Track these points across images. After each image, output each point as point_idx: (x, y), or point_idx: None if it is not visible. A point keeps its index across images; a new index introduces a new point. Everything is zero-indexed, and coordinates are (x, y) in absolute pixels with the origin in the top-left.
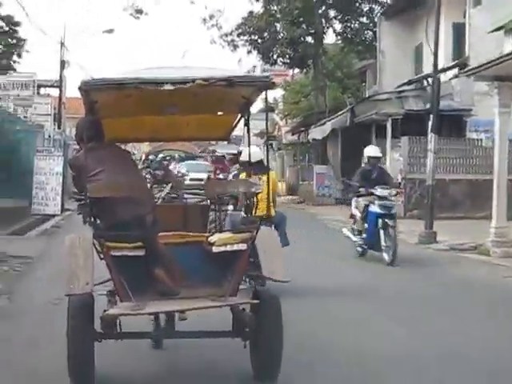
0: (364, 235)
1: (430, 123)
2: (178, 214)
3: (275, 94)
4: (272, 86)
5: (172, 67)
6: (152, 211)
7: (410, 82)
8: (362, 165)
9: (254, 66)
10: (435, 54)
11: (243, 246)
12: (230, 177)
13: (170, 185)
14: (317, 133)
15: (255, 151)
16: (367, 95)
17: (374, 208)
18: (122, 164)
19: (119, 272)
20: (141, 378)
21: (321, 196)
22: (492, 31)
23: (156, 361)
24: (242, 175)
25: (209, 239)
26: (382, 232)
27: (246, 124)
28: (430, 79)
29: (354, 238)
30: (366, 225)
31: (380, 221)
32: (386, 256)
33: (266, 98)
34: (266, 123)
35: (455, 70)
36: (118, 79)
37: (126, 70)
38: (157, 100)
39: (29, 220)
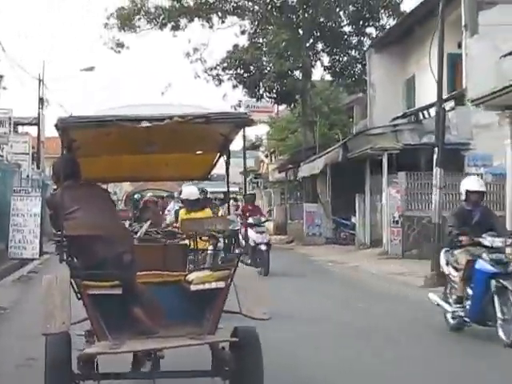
0: (467, 303)
1: (435, 157)
2: (156, 253)
3: (259, 131)
4: (250, 122)
5: (150, 104)
6: (129, 250)
7: (404, 115)
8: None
9: (240, 101)
10: (439, 83)
11: (221, 284)
12: (172, 213)
13: (148, 222)
14: (306, 170)
15: (191, 191)
16: (355, 131)
17: (484, 264)
18: (98, 202)
19: (96, 311)
20: None
21: (311, 235)
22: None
23: None
24: (182, 212)
25: (187, 278)
26: (496, 298)
27: (226, 162)
28: (425, 112)
29: (451, 308)
30: (469, 289)
31: (493, 282)
32: (502, 333)
33: (244, 136)
34: (244, 162)
35: (452, 103)
36: (95, 117)
37: (104, 108)
38: (135, 139)
39: (5, 265)
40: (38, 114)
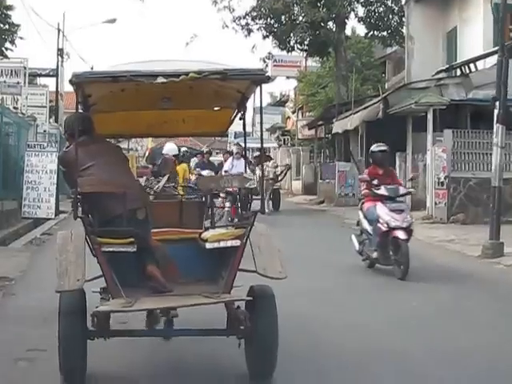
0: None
1: (496, 112)
2: (173, 209)
3: (286, 87)
4: (267, 80)
5: (166, 60)
6: (144, 206)
7: (450, 68)
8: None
9: (269, 53)
10: (500, 27)
11: (237, 242)
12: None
13: (166, 177)
14: (339, 126)
15: (171, 148)
16: (387, 86)
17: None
18: (112, 159)
19: (110, 268)
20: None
21: (343, 196)
22: None
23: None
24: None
25: (202, 235)
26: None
27: (242, 119)
28: (472, 66)
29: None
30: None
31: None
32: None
33: (261, 93)
34: (261, 119)
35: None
36: (110, 72)
37: (120, 63)
38: (151, 94)
39: (17, 225)
40: (57, 65)
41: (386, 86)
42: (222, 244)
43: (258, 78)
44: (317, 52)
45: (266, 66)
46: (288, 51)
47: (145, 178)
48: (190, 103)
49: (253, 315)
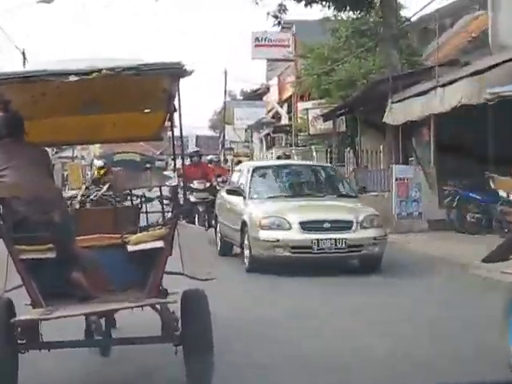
0: None
1: None
2: (108, 216)
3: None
4: (185, 73)
5: (85, 59)
6: (59, 210)
7: None
8: None
9: (280, 5)
10: None
11: (159, 244)
12: None
13: (107, 185)
14: (402, 113)
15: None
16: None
17: None
18: (31, 162)
19: (30, 276)
20: None
21: (405, 217)
22: None
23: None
24: None
25: (125, 239)
26: None
27: (170, 120)
28: None
29: None
30: None
31: None
32: None
33: (179, 87)
34: (180, 121)
35: None
36: (19, 72)
37: (36, 63)
38: (75, 98)
39: None
40: None
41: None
42: (144, 246)
43: (176, 72)
44: (351, 3)
45: (279, 22)
46: (306, 4)
47: (84, 186)
48: (118, 106)
49: (185, 319)
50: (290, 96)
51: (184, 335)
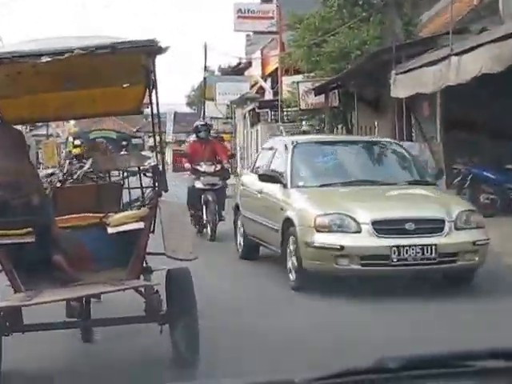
0: None
1: None
2: (90, 194)
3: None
4: (160, 50)
5: (57, 37)
6: (37, 193)
7: None
8: None
9: None
10: None
11: (140, 225)
12: None
13: (90, 160)
14: (407, 84)
15: None
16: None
17: None
18: (6, 144)
19: (9, 261)
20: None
21: None
22: None
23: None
24: None
25: (105, 220)
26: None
27: (149, 95)
28: None
29: None
30: None
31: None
32: None
33: (154, 66)
34: (156, 99)
35: None
36: None
37: (9, 44)
38: (52, 75)
39: None
40: None
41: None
42: (124, 227)
43: (150, 50)
44: None
45: None
46: None
47: (67, 161)
48: (95, 81)
49: (170, 298)
50: (275, 70)
51: (170, 314)
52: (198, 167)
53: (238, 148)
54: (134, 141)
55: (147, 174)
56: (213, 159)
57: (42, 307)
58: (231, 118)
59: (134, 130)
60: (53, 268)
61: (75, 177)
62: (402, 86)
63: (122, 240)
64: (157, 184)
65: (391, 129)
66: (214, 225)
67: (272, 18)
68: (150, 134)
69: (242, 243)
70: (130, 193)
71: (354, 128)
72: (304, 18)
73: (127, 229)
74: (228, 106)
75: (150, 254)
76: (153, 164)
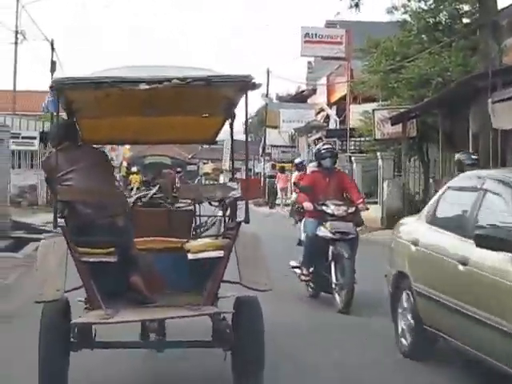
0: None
1: None
2: (161, 218)
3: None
4: (253, 86)
5: (151, 66)
6: (122, 214)
7: None
8: None
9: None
10: None
11: (219, 254)
12: None
13: (157, 186)
14: (504, 117)
15: None
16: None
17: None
18: (93, 165)
19: (90, 278)
20: None
21: None
22: None
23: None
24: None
25: (185, 246)
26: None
27: (231, 126)
28: None
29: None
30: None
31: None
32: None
33: (247, 101)
34: (246, 131)
35: None
36: (91, 78)
37: (101, 70)
38: (136, 100)
39: None
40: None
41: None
42: (205, 255)
43: (244, 85)
44: None
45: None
46: None
47: (135, 186)
48: (177, 110)
49: (238, 327)
50: (341, 98)
51: (237, 342)
52: (324, 208)
53: None
54: (189, 167)
55: (213, 203)
56: (340, 197)
57: (110, 326)
58: (293, 147)
59: (189, 156)
60: (130, 288)
61: (144, 200)
62: (505, 116)
63: (197, 266)
64: (234, 214)
65: (486, 162)
66: (351, 291)
67: (340, 43)
68: (205, 161)
69: (410, 336)
70: (200, 220)
71: (430, 162)
72: (380, 42)
73: (207, 256)
74: (290, 134)
75: (225, 281)
76: (237, 195)
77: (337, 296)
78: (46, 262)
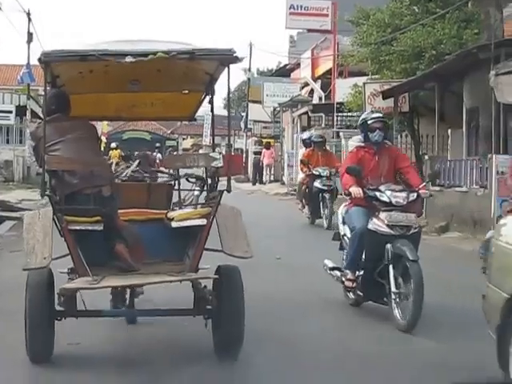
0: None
1: None
2: (141, 192)
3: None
4: (235, 60)
5: (136, 40)
6: (109, 184)
7: None
8: None
9: None
10: None
11: (203, 221)
12: None
13: (137, 161)
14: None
15: None
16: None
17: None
18: (81, 136)
19: (77, 246)
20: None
21: None
22: None
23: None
24: None
25: (168, 215)
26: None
27: (211, 102)
28: None
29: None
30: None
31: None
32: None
33: (229, 74)
34: (228, 104)
35: None
36: (79, 51)
37: (89, 43)
38: (120, 76)
39: None
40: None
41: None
42: (188, 223)
43: (227, 58)
44: None
45: None
46: None
47: (114, 161)
48: (159, 86)
49: (219, 294)
50: (326, 72)
51: (218, 310)
52: (378, 194)
53: (286, 154)
54: (168, 143)
55: (190, 179)
56: (392, 180)
57: (85, 295)
58: (277, 122)
59: (169, 131)
60: (115, 257)
61: (123, 176)
62: (504, 90)
63: (179, 236)
64: (216, 184)
65: (486, 138)
66: (419, 304)
67: (326, 15)
68: (184, 136)
69: None
70: (179, 194)
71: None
72: (371, 13)
73: (190, 224)
74: (274, 109)
75: (207, 250)
76: (220, 165)
77: (396, 309)
78: (32, 231)
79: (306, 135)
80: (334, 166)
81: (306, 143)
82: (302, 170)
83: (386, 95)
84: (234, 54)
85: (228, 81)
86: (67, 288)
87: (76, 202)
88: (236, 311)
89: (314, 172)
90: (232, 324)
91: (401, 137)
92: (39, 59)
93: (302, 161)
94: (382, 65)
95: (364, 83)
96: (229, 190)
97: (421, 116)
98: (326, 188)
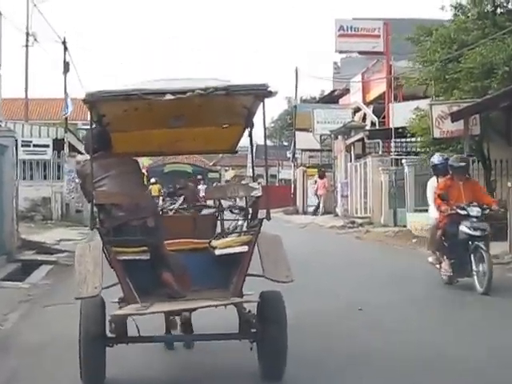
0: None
1: None
2: (188, 223)
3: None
4: (269, 94)
5: (175, 79)
6: (153, 216)
7: None
8: None
9: None
10: None
11: (244, 248)
12: None
13: (182, 197)
14: None
15: None
16: None
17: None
18: (125, 171)
19: (126, 275)
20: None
21: None
22: None
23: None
24: None
25: (211, 244)
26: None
27: (250, 135)
28: None
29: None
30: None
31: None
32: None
33: (264, 107)
34: (265, 135)
35: None
36: (121, 91)
37: (130, 83)
38: (163, 113)
39: None
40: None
41: None
42: (231, 250)
43: (261, 93)
44: None
45: None
46: None
47: (161, 198)
48: (200, 121)
49: (263, 319)
50: (378, 96)
51: (261, 333)
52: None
53: (339, 184)
54: (211, 175)
55: (234, 211)
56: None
57: (140, 322)
58: (324, 151)
59: (211, 163)
60: (162, 284)
61: (170, 213)
62: None
63: (223, 264)
64: (256, 213)
65: None
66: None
67: (378, 36)
68: (227, 168)
69: None
70: (222, 224)
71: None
72: (433, 29)
73: (233, 251)
74: (320, 136)
75: (250, 275)
76: (259, 195)
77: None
78: (83, 263)
79: (437, 159)
80: (485, 202)
81: (439, 169)
82: (439, 207)
83: (455, 117)
84: (268, 89)
85: (263, 114)
86: (117, 314)
87: (123, 234)
88: (279, 335)
89: (460, 211)
90: (275, 348)
91: (473, 163)
92: (84, 100)
93: (438, 195)
94: (448, 84)
95: (430, 105)
96: (268, 219)
97: (492, 140)
98: (478, 234)
